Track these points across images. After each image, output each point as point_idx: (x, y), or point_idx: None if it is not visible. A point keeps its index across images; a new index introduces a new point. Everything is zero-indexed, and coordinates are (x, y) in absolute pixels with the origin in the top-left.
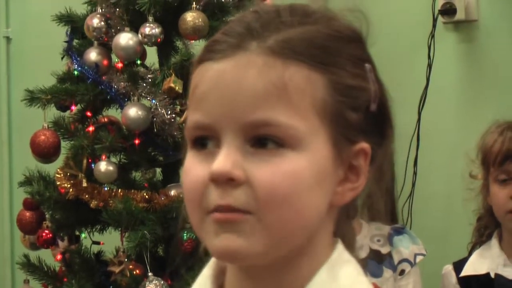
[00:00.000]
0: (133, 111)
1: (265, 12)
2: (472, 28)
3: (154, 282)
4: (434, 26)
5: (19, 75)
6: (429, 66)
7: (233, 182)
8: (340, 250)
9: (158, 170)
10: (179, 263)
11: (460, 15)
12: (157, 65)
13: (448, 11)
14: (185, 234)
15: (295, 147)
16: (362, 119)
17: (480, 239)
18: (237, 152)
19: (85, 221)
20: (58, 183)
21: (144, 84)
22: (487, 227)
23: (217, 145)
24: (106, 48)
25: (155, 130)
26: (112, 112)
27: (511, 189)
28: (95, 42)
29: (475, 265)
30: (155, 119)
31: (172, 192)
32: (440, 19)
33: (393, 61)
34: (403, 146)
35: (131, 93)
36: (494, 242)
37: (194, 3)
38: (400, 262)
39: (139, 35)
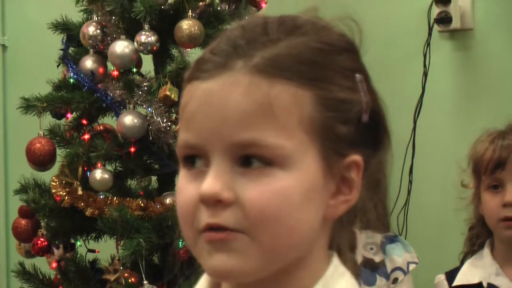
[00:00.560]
0: (128, 119)
1: (252, 28)
2: (467, 37)
3: None
4: (429, 34)
5: (15, 82)
6: (425, 74)
7: (222, 203)
8: (335, 263)
9: (154, 178)
10: (176, 271)
11: (455, 24)
12: (152, 73)
13: (444, 19)
14: (181, 243)
15: (283, 165)
16: (353, 131)
17: (471, 248)
18: (226, 172)
19: (80, 229)
20: (53, 191)
21: (140, 92)
22: (479, 236)
23: (206, 164)
24: (102, 56)
25: (151, 138)
26: (108, 120)
27: (502, 197)
28: (91, 50)
29: (467, 275)
30: (150, 127)
31: (168, 200)
32: (436, 27)
33: (388, 70)
34: (398, 154)
35: (127, 101)
36: (486, 251)
37: (190, 11)
38: (393, 270)
39: (135, 43)
